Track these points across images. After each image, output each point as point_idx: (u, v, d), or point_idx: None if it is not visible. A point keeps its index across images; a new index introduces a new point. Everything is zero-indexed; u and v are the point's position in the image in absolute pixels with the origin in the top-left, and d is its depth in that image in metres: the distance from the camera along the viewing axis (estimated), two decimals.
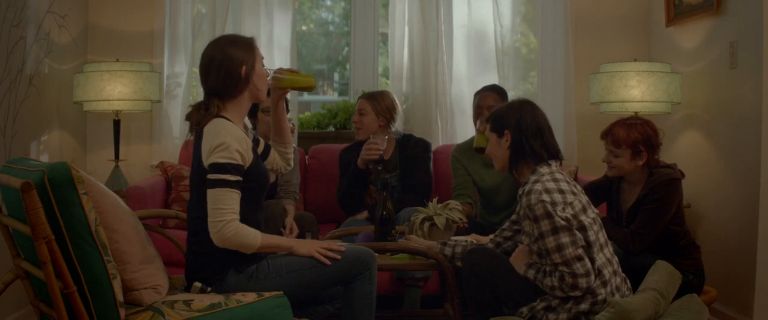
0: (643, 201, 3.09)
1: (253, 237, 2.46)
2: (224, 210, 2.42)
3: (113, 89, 3.91)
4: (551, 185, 2.59)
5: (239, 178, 2.46)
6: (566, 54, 4.35)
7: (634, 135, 3.05)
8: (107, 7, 4.38)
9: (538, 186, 2.59)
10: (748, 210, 3.46)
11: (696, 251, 3.23)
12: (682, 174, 3.20)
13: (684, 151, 4.05)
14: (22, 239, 2.47)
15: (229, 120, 2.55)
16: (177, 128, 4.36)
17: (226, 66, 2.55)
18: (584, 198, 2.66)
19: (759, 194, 3.36)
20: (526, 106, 2.72)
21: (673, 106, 4.00)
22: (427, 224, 3.09)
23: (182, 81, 4.37)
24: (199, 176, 2.51)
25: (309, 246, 2.58)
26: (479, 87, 4.42)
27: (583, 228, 2.57)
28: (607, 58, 4.23)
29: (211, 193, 2.44)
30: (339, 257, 2.56)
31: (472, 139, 3.73)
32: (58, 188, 2.21)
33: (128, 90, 3.93)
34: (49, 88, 3.94)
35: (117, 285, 2.30)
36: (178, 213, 2.92)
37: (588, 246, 2.58)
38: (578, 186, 2.70)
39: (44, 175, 2.20)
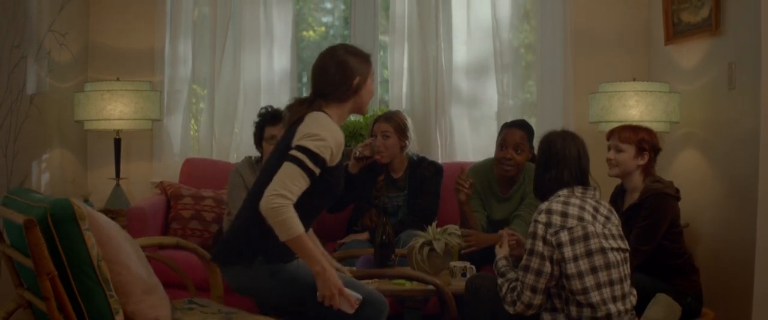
0: (637, 214, 3.17)
1: (295, 226, 2.40)
2: (288, 186, 2.41)
3: (114, 108, 3.93)
4: (557, 207, 2.67)
5: (316, 170, 2.46)
6: (565, 72, 4.36)
7: (640, 133, 3.24)
8: (108, 25, 4.39)
9: (544, 205, 2.70)
10: (746, 229, 3.48)
11: (695, 274, 3.27)
12: (678, 194, 3.24)
13: (682, 169, 4.07)
14: (24, 269, 2.48)
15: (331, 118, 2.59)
16: (177, 145, 4.37)
17: (343, 71, 2.62)
18: (596, 228, 2.67)
19: (756, 214, 3.39)
20: (551, 136, 2.83)
21: (671, 125, 4.01)
22: (426, 249, 3.11)
23: (182, 98, 4.38)
24: (281, 159, 2.49)
25: (330, 287, 2.47)
26: (478, 104, 4.47)
27: (563, 261, 2.62)
28: (607, 75, 4.25)
29: (287, 166, 2.44)
30: (350, 311, 2.51)
31: (488, 161, 3.74)
32: (61, 224, 2.23)
33: (129, 109, 3.95)
34: (49, 106, 3.96)
35: None
36: (179, 241, 2.94)
37: (567, 279, 2.62)
38: (601, 212, 2.72)
39: (47, 212, 2.22)
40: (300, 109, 2.62)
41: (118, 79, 4.08)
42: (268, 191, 2.42)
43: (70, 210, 2.24)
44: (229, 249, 2.61)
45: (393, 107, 4.45)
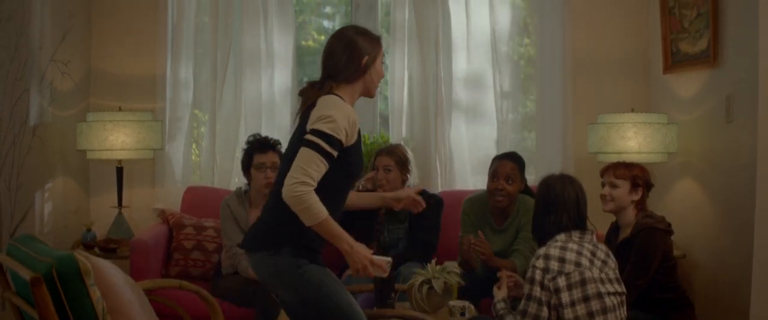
0: (629, 249, 3.24)
1: (319, 211, 2.44)
2: (307, 172, 2.44)
3: (116, 139, 3.96)
4: (554, 252, 2.73)
5: (333, 153, 2.49)
6: (565, 101, 4.38)
7: (634, 170, 3.35)
8: (109, 51, 4.42)
9: (542, 251, 2.75)
10: (742, 258, 3.51)
11: (690, 307, 3.33)
12: (669, 228, 3.29)
13: (679, 198, 4.10)
14: (30, 316, 2.52)
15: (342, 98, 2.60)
16: (179, 172, 4.40)
17: (351, 51, 2.62)
18: (593, 273, 2.71)
19: (753, 244, 3.42)
20: (551, 180, 2.87)
21: (668, 155, 4.04)
22: (425, 287, 3.15)
23: (184, 125, 4.41)
24: (298, 145, 2.52)
25: (361, 260, 2.51)
26: (477, 133, 4.50)
27: (560, 306, 2.67)
28: (606, 103, 4.29)
29: (304, 151, 2.47)
30: (384, 275, 2.58)
31: (483, 193, 3.77)
32: (66, 281, 2.26)
33: (131, 140, 3.98)
34: (52, 136, 3.99)
35: None
36: (182, 283, 2.97)
37: None
38: (598, 257, 2.77)
39: (52, 268, 2.26)
40: (312, 93, 2.64)
41: (120, 109, 4.12)
42: (289, 179, 2.45)
43: (75, 266, 2.27)
44: (258, 235, 2.63)
45: (393, 134, 4.48)
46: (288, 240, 2.54)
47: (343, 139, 2.51)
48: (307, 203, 2.43)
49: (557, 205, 2.79)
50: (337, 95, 2.60)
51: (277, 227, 2.57)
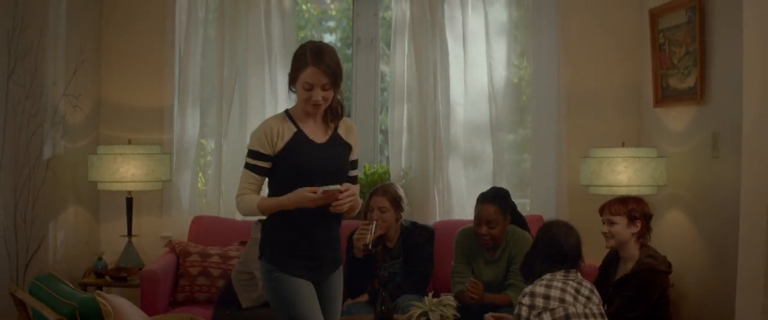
0: (627, 284, 3.37)
1: (250, 204, 2.78)
2: (241, 185, 2.82)
3: (126, 171, 4.10)
4: (540, 290, 2.89)
5: (257, 163, 2.79)
6: (558, 135, 4.51)
7: (630, 204, 3.47)
8: (119, 83, 4.55)
9: (528, 288, 2.92)
10: (727, 286, 3.64)
11: None
12: (669, 268, 3.43)
13: (667, 228, 4.23)
14: None
15: (287, 113, 2.86)
16: (186, 201, 4.53)
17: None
18: (577, 308, 2.87)
19: (737, 273, 3.56)
20: (554, 228, 3.08)
21: (658, 188, 4.18)
22: (423, 319, 3.30)
23: (191, 155, 4.55)
24: None
25: (308, 201, 2.69)
26: (476, 167, 4.61)
27: None
28: (599, 135, 4.43)
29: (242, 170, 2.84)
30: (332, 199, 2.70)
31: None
32: None
33: (140, 172, 4.12)
34: (65, 168, 4.13)
35: None
36: (192, 317, 3.12)
37: None
38: (582, 293, 2.93)
39: (75, 311, 2.42)
40: None
41: (129, 141, 4.26)
42: None
43: (96, 309, 2.44)
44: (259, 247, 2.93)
45: (393, 164, 4.61)
46: (263, 247, 2.86)
47: (262, 149, 2.77)
48: (243, 204, 2.79)
49: (556, 254, 2.97)
50: (285, 111, 2.86)
51: (263, 239, 2.88)
